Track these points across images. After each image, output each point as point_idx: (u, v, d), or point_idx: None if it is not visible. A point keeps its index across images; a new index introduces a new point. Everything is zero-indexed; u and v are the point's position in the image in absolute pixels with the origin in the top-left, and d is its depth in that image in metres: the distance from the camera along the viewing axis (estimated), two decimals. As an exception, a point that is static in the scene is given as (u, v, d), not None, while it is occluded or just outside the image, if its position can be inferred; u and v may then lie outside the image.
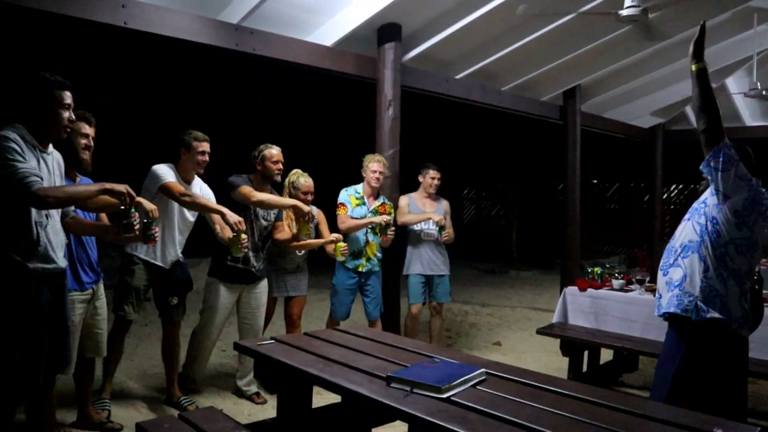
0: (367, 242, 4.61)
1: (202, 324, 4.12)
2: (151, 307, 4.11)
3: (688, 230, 2.59)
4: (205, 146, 3.84)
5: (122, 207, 2.72)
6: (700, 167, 2.54)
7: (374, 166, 4.56)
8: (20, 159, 2.42)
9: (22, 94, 2.59)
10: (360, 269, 4.59)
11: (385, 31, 4.63)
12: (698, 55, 2.50)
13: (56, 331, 2.69)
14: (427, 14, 4.60)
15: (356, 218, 4.56)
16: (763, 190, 2.51)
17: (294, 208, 3.96)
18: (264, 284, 4.22)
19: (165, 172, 3.68)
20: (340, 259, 4.43)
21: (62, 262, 2.68)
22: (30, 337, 2.52)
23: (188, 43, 3.80)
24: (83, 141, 3.19)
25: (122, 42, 6.93)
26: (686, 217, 2.67)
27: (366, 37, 4.60)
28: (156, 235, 2.99)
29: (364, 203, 4.64)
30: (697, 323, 2.47)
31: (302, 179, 4.34)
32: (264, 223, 4.13)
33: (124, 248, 3.80)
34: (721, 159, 2.43)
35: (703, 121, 2.48)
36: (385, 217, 4.53)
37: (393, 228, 4.55)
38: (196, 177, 3.94)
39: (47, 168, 2.61)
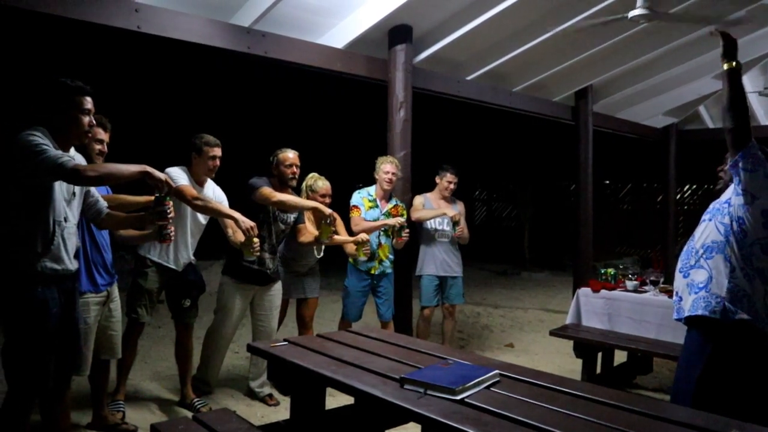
0: (379, 244, 4.60)
1: (216, 324, 4.14)
2: (164, 309, 4.13)
3: (710, 231, 2.55)
4: (217, 151, 3.83)
5: (157, 195, 2.76)
6: (727, 167, 2.52)
7: (387, 167, 4.55)
8: (49, 146, 2.45)
9: (43, 99, 2.61)
10: (372, 271, 4.59)
11: (396, 32, 4.63)
12: (731, 54, 2.47)
13: (67, 333, 2.71)
14: (438, 16, 4.60)
15: (369, 221, 4.56)
16: None
17: (314, 210, 3.95)
18: (278, 286, 4.23)
19: (178, 174, 3.68)
20: (363, 258, 4.43)
21: (72, 264, 2.70)
22: (38, 339, 2.54)
23: (200, 46, 3.82)
24: (98, 147, 3.21)
25: (135, 46, 6.99)
26: (705, 217, 2.63)
27: (377, 39, 4.60)
28: (171, 234, 2.99)
29: (376, 205, 4.64)
30: (725, 325, 2.43)
31: (320, 182, 4.35)
32: (282, 225, 4.13)
33: (137, 251, 3.82)
34: (750, 160, 2.42)
35: (732, 121, 2.45)
36: (399, 219, 4.52)
37: (407, 230, 4.54)
38: (208, 180, 3.95)
39: None
